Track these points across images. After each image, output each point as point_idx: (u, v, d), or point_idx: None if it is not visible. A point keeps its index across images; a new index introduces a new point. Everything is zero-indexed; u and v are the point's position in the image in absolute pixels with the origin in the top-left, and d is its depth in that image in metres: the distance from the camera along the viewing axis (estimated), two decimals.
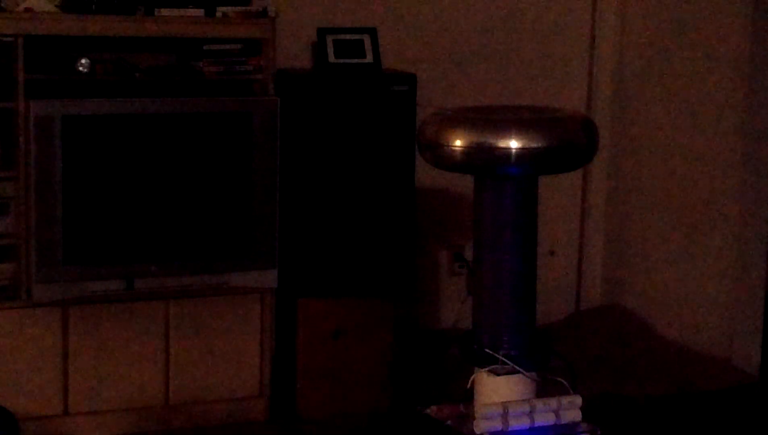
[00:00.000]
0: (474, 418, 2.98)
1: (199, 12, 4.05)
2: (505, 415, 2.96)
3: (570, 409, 3.04)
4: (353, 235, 4.25)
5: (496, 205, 3.05)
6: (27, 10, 3.92)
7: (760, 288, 4.73)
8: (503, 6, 4.99)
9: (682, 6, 4.87)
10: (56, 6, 3.97)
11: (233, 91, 4.17)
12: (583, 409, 3.07)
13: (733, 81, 4.65)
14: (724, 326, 4.71)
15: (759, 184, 4.66)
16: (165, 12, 4.02)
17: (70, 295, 3.92)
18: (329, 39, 4.36)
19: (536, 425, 2.99)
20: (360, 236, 4.25)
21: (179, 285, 4.04)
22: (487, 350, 3.04)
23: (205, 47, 4.10)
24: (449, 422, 3.11)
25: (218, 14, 4.09)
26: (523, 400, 3.00)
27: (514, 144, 2.92)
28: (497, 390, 3.04)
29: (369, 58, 4.38)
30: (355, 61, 4.37)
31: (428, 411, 3.16)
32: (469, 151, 2.96)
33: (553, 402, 3.02)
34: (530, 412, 2.99)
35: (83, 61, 3.93)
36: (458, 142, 2.97)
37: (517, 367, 3.01)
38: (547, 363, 3.10)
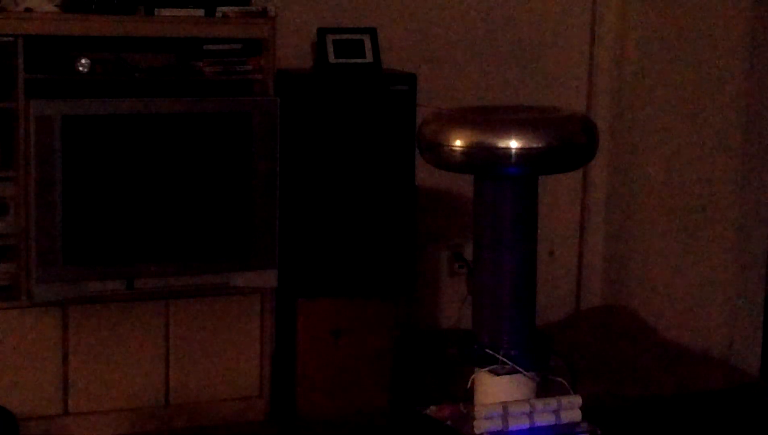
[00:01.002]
0: (474, 418, 2.98)
1: (199, 12, 4.05)
2: (505, 415, 2.96)
3: (570, 409, 3.04)
4: (353, 235, 4.25)
5: (496, 205, 3.05)
6: (27, 10, 3.92)
7: (760, 288, 4.73)
8: (504, 5, 4.98)
9: (682, 6, 4.87)
10: (56, 6, 3.97)
11: (233, 91, 4.17)
12: (583, 409, 3.07)
13: (733, 80, 4.65)
14: (724, 326, 4.71)
15: (759, 184, 4.66)
16: (165, 12, 4.02)
17: (70, 295, 3.92)
18: (329, 39, 4.36)
19: (536, 425, 2.99)
20: (360, 236, 4.25)
21: (179, 285, 4.04)
22: (487, 350, 3.04)
23: (205, 47, 4.10)
24: (449, 422, 3.11)
25: (218, 14, 4.09)
26: (523, 400, 3.00)
27: (514, 144, 2.92)
28: (497, 390, 3.04)
29: (369, 58, 4.38)
30: (355, 61, 4.37)
31: (428, 411, 3.16)
32: (469, 151, 2.96)
33: (553, 402, 3.02)
34: (530, 412, 2.99)
35: (83, 61, 3.93)
36: (458, 142, 2.97)
37: (517, 367, 3.01)
38: (547, 363, 3.10)
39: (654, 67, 5.01)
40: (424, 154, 3.10)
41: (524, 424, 2.98)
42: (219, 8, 4.09)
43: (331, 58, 4.34)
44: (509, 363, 3.01)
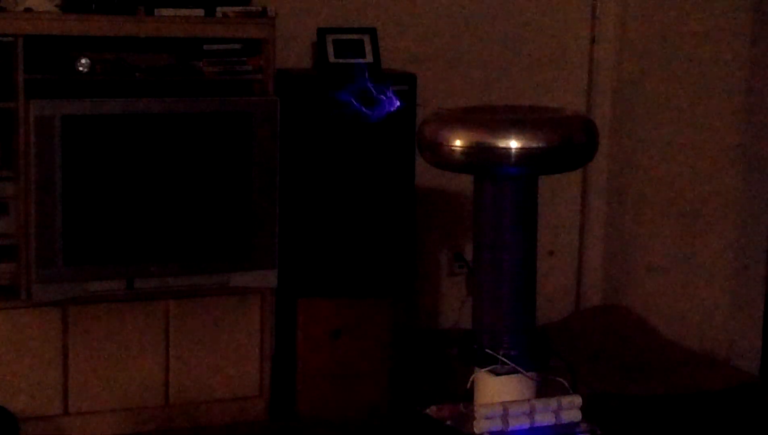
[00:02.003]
0: (474, 418, 2.98)
1: (199, 12, 4.05)
2: (504, 415, 2.96)
3: (570, 409, 3.04)
4: (353, 235, 4.25)
5: (496, 205, 3.05)
6: (27, 10, 3.92)
7: (760, 288, 4.73)
8: (504, 5, 4.99)
9: (682, 6, 4.87)
10: (56, 6, 3.97)
11: (233, 91, 4.17)
12: (583, 409, 3.07)
13: (733, 81, 4.65)
14: (725, 326, 4.71)
15: (759, 183, 4.66)
16: (165, 12, 4.01)
17: (70, 295, 3.92)
18: (329, 39, 4.36)
19: (536, 425, 2.99)
20: (360, 236, 4.25)
21: (179, 285, 4.04)
22: (487, 350, 3.03)
23: (205, 47, 4.10)
24: (449, 422, 3.11)
25: (218, 14, 4.09)
26: (522, 400, 3.00)
27: (514, 144, 2.92)
28: (497, 390, 3.04)
29: (369, 58, 4.38)
30: (355, 61, 4.37)
31: (428, 411, 3.16)
32: (468, 151, 2.96)
33: (552, 402, 3.02)
34: (530, 412, 2.99)
35: (83, 61, 3.93)
36: (458, 142, 2.97)
37: (517, 367, 3.01)
38: (547, 363, 3.10)
39: (654, 67, 5.01)
40: (424, 154, 3.10)
41: (524, 423, 2.98)
42: (219, 8, 4.09)
43: (331, 58, 4.34)
44: (509, 363, 3.01)
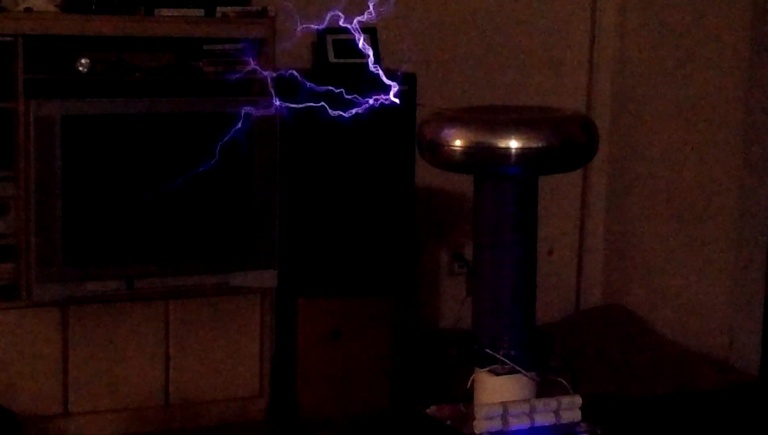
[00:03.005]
0: (474, 418, 2.98)
1: (199, 12, 4.05)
2: (504, 415, 2.96)
3: (570, 409, 3.04)
4: (353, 235, 4.25)
5: (496, 205, 3.05)
6: (27, 10, 3.92)
7: (760, 288, 4.73)
8: (504, 6, 4.98)
9: (682, 6, 4.87)
10: (56, 6, 3.97)
11: (233, 91, 4.16)
12: (583, 409, 3.07)
13: (733, 81, 4.65)
14: (724, 326, 4.71)
15: (759, 183, 4.66)
16: (165, 12, 4.01)
17: (70, 295, 3.92)
18: (329, 39, 4.36)
19: (536, 425, 2.99)
20: (360, 236, 4.25)
21: (179, 285, 4.04)
22: (486, 350, 3.03)
23: (205, 47, 4.10)
24: (449, 422, 3.11)
25: (218, 14, 4.09)
26: (523, 400, 3.00)
27: (514, 144, 2.92)
28: (497, 390, 3.04)
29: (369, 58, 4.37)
30: (355, 60, 4.37)
31: (428, 411, 3.16)
32: (468, 151, 2.96)
33: (552, 402, 3.02)
34: (530, 412, 2.99)
35: (83, 60, 3.93)
36: (458, 142, 2.97)
37: (517, 367, 3.01)
38: (547, 363, 3.10)
39: (654, 66, 5.01)
40: (424, 154, 3.10)
41: (524, 423, 2.98)
42: (219, 8, 4.09)
43: (331, 58, 4.34)
44: (509, 363, 3.01)
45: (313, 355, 4.25)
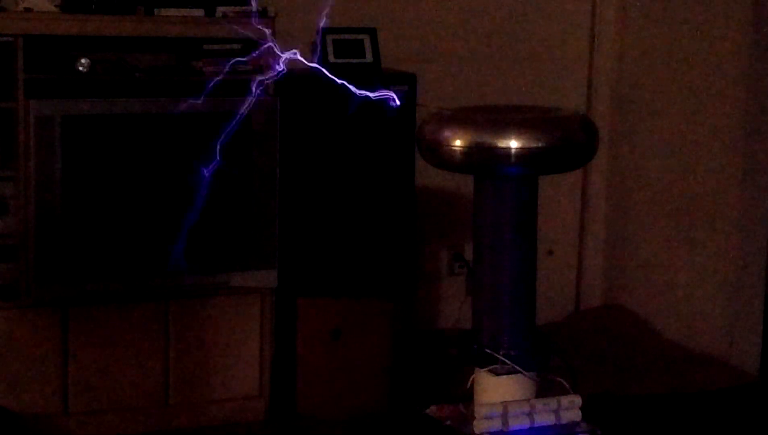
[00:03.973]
0: (474, 418, 2.98)
1: (199, 12, 4.05)
2: (504, 415, 2.96)
3: (570, 409, 3.04)
4: (353, 235, 4.25)
5: (495, 205, 3.05)
6: (27, 10, 3.92)
7: (760, 288, 4.73)
8: (503, 5, 4.99)
9: (682, 5, 4.88)
10: (56, 6, 3.97)
11: (233, 91, 4.16)
12: (583, 409, 3.07)
13: (733, 81, 4.65)
14: (724, 326, 4.71)
15: (759, 183, 4.66)
16: (165, 12, 4.02)
17: (70, 295, 3.92)
18: (329, 39, 4.36)
19: (536, 425, 2.99)
20: (360, 236, 4.25)
21: (179, 285, 4.04)
22: (486, 350, 3.03)
23: (205, 47, 4.10)
24: (449, 422, 3.11)
25: (218, 14, 4.09)
26: (522, 400, 3.00)
27: (514, 144, 2.92)
28: (497, 390, 3.04)
29: (369, 58, 4.38)
30: (355, 61, 4.37)
31: (428, 411, 3.16)
32: (468, 151, 2.96)
33: (552, 402, 3.02)
34: (530, 412, 2.99)
35: (83, 60, 3.93)
36: (458, 142, 2.97)
37: (517, 367, 3.01)
38: (547, 363, 3.10)
39: (654, 67, 5.01)
40: (424, 154, 3.10)
41: (524, 424, 2.98)
42: (219, 8, 4.09)
43: (331, 58, 4.34)
44: (509, 363, 3.01)
45: (313, 356, 4.25)
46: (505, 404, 2.97)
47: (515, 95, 4.94)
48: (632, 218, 5.13)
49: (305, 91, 4.22)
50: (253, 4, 4.20)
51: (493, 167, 2.98)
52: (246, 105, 4.09)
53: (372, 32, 4.42)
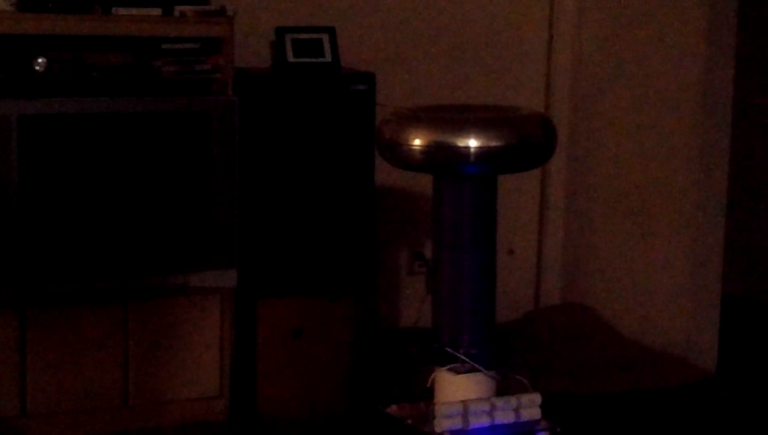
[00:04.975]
0: (434, 417, 2.99)
1: (157, 11, 4.03)
2: (465, 414, 2.97)
3: (530, 407, 3.06)
4: (313, 234, 4.25)
5: (455, 204, 3.06)
6: None
7: (717, 285, 4.77)
8: (462, 5, 5.00)
9: (640, 4, 4.90)
10: (12, 5, 3.94)
11: (192, 91, 4.15)
12: (543, 407, 3.08)
13: (690, 82, 4.68)
14: (682, 323, 4.75)
15: (715, 181, 4.70)
16: (122, 11, 3.99)
17: (28, 297, 3.89)
18: (288, 38, 4.35)
19: (496, 423, 3.01)
20: (320, 236, 4.25)
21: (138, 285, 4.02)
22: (446, 349, 3.04)
23: (163, 46, 4.08)
24: (410, 421, 3.12)
25: (176, 13, 4.07)
26: (483, 399, 3.01)
27: (473, 143, 2.93)
28: (457, 388, 3.05)
29: (328, 58, 4.38)
30: (314, 60, 4.37)
31: (389, 410, 3.16)
32: (428, 150, 2.96)
33: (512, 400, 3.03)
34: (490, 410, 3.00)
35: (39, 60, 3.90)
36: (417, 142, 2.98)
37: (477, 366, 3.02)
38: (506, 361, 3.11)
39: (611, 66, 5.03)
40: (384, 154, 3.11)
41: (484, 422, 2.99)
42: (176, 7, 4.07)
43: (290, 58, 4.33)
44: (469, 361, 3.02)
45: (273, 355, 4.24)
46: (465, 403, 2.98)
47: (474, 95, 4.95)
48: (591, 217, 5.16)
49: (264, 90, 4.22)
50: (212, 3, 4.18)
51: (452, 166, 2.99)
52: (204, 104, 4.08)
53: (331, 31, 4.41)
